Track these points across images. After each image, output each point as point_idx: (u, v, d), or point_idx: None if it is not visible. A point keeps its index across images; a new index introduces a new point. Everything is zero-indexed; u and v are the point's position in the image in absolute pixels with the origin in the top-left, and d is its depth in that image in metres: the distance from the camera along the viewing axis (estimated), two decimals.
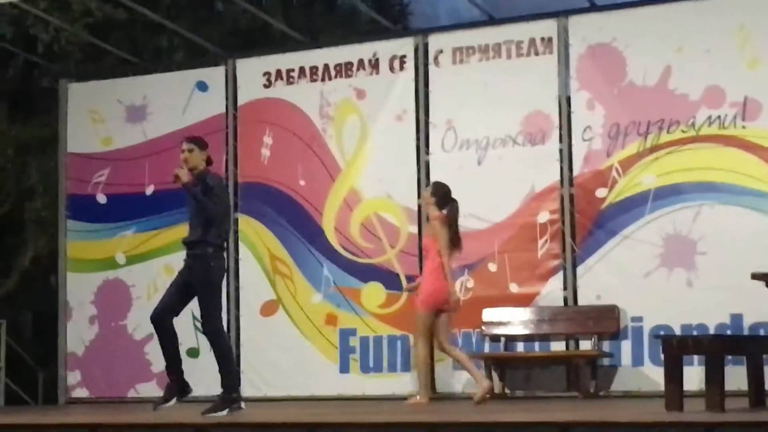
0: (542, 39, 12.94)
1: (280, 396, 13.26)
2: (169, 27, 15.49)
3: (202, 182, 9.82)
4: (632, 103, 12.54)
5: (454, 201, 11.52)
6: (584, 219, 12.64)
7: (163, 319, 9.88)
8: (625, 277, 12.39)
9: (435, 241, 11.36)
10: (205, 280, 9.83)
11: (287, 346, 13.59)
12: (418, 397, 11.33)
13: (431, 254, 11.39)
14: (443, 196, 11.53)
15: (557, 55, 12.88)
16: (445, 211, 11.44)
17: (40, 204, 16.26)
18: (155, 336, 13.38)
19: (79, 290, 14.66)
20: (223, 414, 9.52)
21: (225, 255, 10.12)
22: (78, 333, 14.62)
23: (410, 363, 12.95)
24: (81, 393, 14.52)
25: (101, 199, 14.70)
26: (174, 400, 9.69)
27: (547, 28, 12.94)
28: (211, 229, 9.85)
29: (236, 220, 13.98)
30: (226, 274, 13.49)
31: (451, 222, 11.43)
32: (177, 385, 9.83)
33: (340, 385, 13.26)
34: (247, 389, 13.60)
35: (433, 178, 13.13)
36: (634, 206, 12.42)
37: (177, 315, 9.96)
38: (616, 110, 12.59)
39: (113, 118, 14.75)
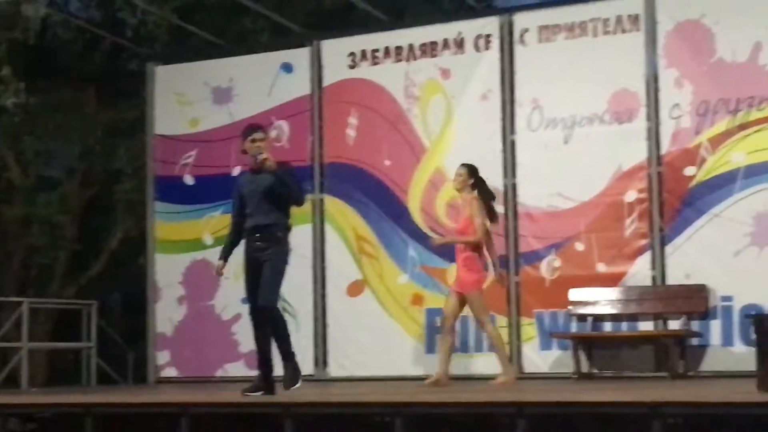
0: (629, 16, 12.81)
1: (366, 375, 13.30)
2: (253, 9, 15.56)
3: (280, 168, 9.92)
4: (721, 80, 12.37)
5: (484, 182, 11.64)
6: (672, 198, 12.51)
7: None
8: (714, 256, 12.25)
9: (467, 226, 11.37)
10: (276, 261, 9.93)
11: (373, 325, 13.62)
12: (504, 378, 11.30)
13: (468, 235, 11.41)
14: (478, 178, 11.59)
15: (644, 33, 12.74)
16: (476, 192, 11.47)
17: (128, 186, 16.43)
18: (243, 316, 13.71)
19: (167, 271, 14.82)
20: (299, 385, 9.66)
21: None
22: (167, 313, 14.78)
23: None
24: (170, 372, 14.68)
25: (188, 180, 14.83)
26: (260, 393, 9.77)
27: (634, 5, 12.79)
28: (286, 213, 9.99)
29: (322, 201, 14.04)
30: (313, 255, 13.77)
31: (488, 201, 11.57)
32: (267, 382, 9.92)
33: (426, 365, 13.26)
34: (333, 369, 13.72)
35: (519, 158, 13.13)
36: (723, 184, 12.27)
37: None
38: (705, 87, 12.43)
39: (200, 100, 14.86)
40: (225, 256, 10.33)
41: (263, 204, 9.93)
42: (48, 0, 15.66)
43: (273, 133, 14.24)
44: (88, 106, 17.15)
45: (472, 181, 11.55)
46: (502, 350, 11.55)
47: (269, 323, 9.92)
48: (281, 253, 9.98)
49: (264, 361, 9.99)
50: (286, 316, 12.81)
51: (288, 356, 9.91)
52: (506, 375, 11.34)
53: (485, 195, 11.57)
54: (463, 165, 11.74)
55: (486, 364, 12.98)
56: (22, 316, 14.51)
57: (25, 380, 14.41)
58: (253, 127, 10.27)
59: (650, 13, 12.72)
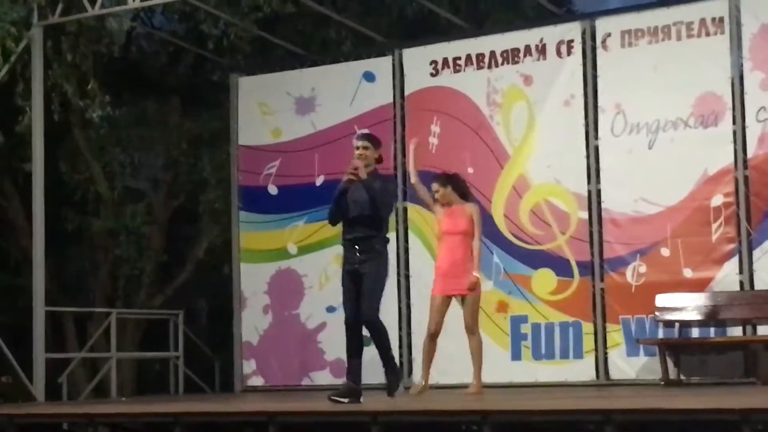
0: (713, 19, 12.70)
1: (452, 383, 13.25)
2: (336, 19, 15.63)
3: (379, 182, 10.10)
4: None
5: (460, 180, 11.62)
6: (760, 201, 12.37)
7: (359, 325, 10.12)
8: None
9: (472, 226, 11.23)
10: (377, 272, 10.09)
11: (458, 333, 13.52)
12: (475, 389, 11.22)
13: (468, 239, 11.23)
14: (453, 182, 11.48)
15: (729, 35, 12.62)
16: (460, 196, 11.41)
17: (213, 196, 16.56)
18: (328, 325, 13.83)
19: (252, 280, 14.92)
20: (400, 390, 9.98)
21: None
22: (252, 322, 14.88)
23: (581, 349, 12.93)
24: (256, 381, 14.77)
25: (272, 190, 14.92)
26: (347, 400, 9.86)
27: (718, 7, 12.68)
28: (385, 225, 10.18)
29: (405, 209, 14.06)
30: (396, 263, 13.79)
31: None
32: (355, 389, 10.00)
33: (512, 373, 13.23)
34: (419, 377, 13.68)
35: (603, 163, 13.07)
36: None
37: None
38: None
39: (282, 110, 14.96)
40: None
41: (364, 214, 10.08)
42: (132, 14, 15.81)
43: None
44: (172, 118, 17.32)
45: (450, 188, 11.39)
46: (480, 362, 11.38)
47: (375, 335, 10.15)
48: (380, 266, 10.15)
49: (354, 370, 10.06)
50: None
51: (390, 364, 10.21)
52: (476, 388, 11.25)
53: (466, 194, 11.50)
54: (435, 180, 11.56)
55: (571, 370, 12.95)
56: (111, 326, 14.69)
57: (114, 390, 14.60)
58: (362, 134, 10.57)
59: (735, 15, 12.60)
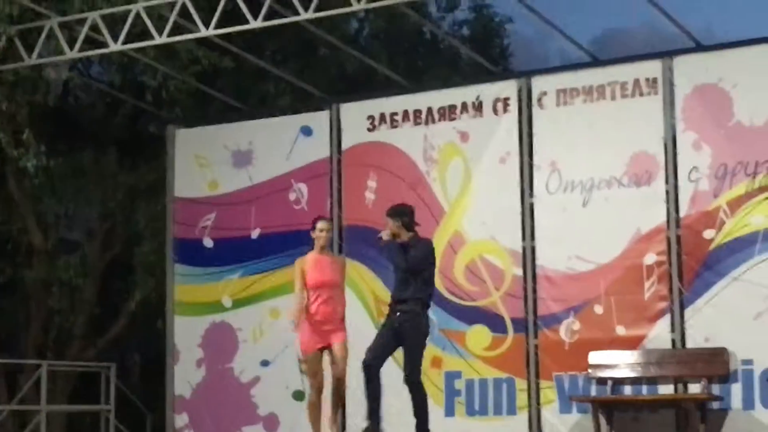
0: (647, 80, 12.85)
1: None
2: (274, 73, 15.66)
3: (418, 244, 10.69)
4: (740, 143, 12.37)
5: None
6: (692, 261, 12.48)
7: (377, 368, 10.53)
8: (734, 319, 12.18)
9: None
10: (418, 333, 10.49)
11: (393, 389, 13.49)
12: None
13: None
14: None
15: (662, 96, 12.77)
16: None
17: (148, 248, 16.49)
18: (261, 379, 13.72)
19: (186, 333, 14.81)
20: None
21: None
22: (185, 376, 14.75)
23: (514, 406, 12.93)
24: None
25: (208, 243, 14.86)
26: None
27: (652, 68, 12.84)
28: (423, 287, 10.55)
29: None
30: None
31: None
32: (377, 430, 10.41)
33: (445, 428, 13.15)
34: None
35: (537, 220, 13.14)
36: (743, 247, 12.22)
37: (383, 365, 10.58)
38: (724, 150, 12.44)
39: (219, 162, 14.93)
40: None
41: (402, 277, 10.55)
42: (70, 64, 15.76)
43: (292, 196, 14.32)
44: (108, 169, 17.25)
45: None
46: None
47: (416, 395, 10.62)
48: (419, 327, 10.52)
49: (374, 414, 10.63)
50: (305, 378, 12.84)
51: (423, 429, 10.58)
52: None
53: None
54: (328, 220, 11.59)
55: (504, 427, 12.96)
56: (41, 378, 14.52)
57: None
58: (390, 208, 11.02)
59: (668, 76, 12.76)
